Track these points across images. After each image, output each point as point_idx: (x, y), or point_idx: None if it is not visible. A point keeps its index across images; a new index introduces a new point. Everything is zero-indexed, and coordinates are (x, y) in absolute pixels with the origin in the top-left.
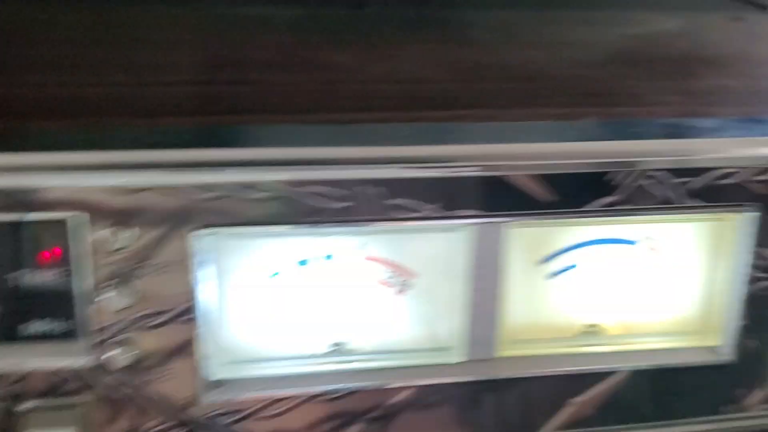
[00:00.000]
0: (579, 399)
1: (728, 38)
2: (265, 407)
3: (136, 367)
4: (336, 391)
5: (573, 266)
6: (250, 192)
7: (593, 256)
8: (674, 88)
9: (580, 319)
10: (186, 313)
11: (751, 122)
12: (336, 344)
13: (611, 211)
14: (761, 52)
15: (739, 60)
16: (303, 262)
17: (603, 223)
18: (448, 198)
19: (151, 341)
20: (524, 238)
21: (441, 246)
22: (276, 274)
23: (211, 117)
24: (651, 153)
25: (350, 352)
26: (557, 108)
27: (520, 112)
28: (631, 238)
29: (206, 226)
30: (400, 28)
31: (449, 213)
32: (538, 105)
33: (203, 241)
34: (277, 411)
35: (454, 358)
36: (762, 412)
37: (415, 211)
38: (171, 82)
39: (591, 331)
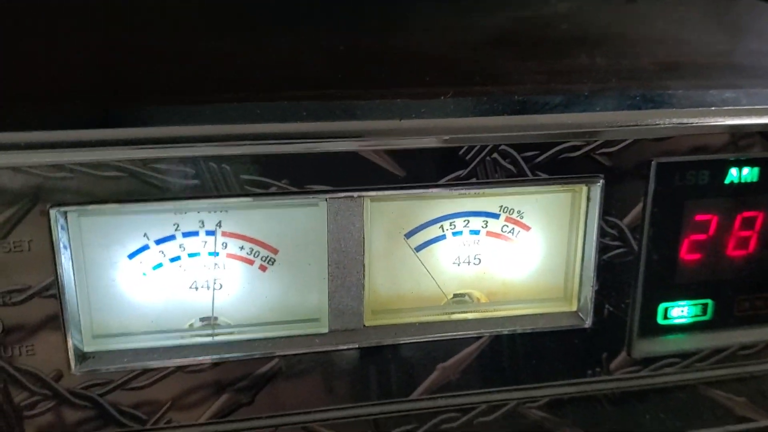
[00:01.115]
0: (448, 364)
1: (614, 20)
2: (134, 378)
3: (2, 341)
4: (204, 362)
5: (440, 238)
6: (102, 170)
7: (459, 229)
8: (541, 67)
9: (448, 288)
10: (49, 288)
11: (597, 98)
12: (203, 319)
13: (463, 184)
14: (640, 32)
15: (614, 40)
16: (162, 240)
17: (463, 196)
18: (302, 173)
19: (15, 316)
20: (388, 212)
21: (300, 221)
22: (137, 251)
23: (67, 99)
24: (499, 128)
25: (217, 326)
26: (418, 88)
27: (381, 92)
28: (493, 211)
29: (60, 204)
30: (284, 14)
31: (304, 188)
32: (400, 86)
33: (59, 219)
34: (146, 382)
35: (322, 328)
36: (626, 375)
37: (269, 186)
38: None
39: (459, 300)
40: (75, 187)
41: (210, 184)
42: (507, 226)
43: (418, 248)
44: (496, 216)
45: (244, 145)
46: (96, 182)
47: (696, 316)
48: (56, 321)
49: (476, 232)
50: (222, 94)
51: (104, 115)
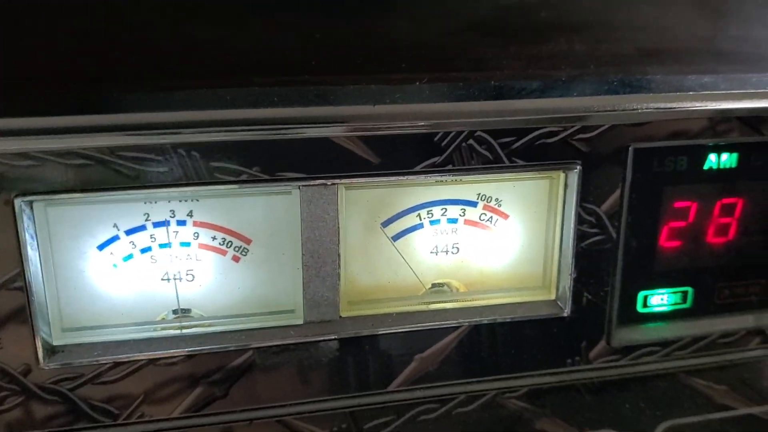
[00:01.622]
0: (426, 354)
1: (595, 6)
2: (105, 372)
3: None
4: (176, 355)
5: (417, 227)
6: (69, 158)
7: (436, 217)
8: (520, 54)
9: (426, 278)
10: (15, 280)
11: (575, 83)
12: (176, 311)
13: (439, 171)
14: (620, 19)
15: (594, 26)
16: (132, 231)
17: (441, 184)
18: (274, 160)
19: None
20: (363, 201)
21: (273, 209)
22: (107, 242)
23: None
24: (475, 114)
25: (190, 318)
26: (394, 74)
27: (355, 77)
28: (471, 199)
29: (25, 193)
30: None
31: (276, 176)
32: (375, 72)
33: (24, 209)
34: (118, 376)
35: (297, 319)
36: (605, 364)
37: (240, 174)
38: None
39: (438, 290)
40: (40, 176)
41: (179, 171)
42: (485, 215)
43: (395, 237)
44: (473, 204)
45: (214, 131)
46: (62, 171)
47: (676, 304)
48: (23, 314)
49: (454, 221)
50: (192, 80)
51: (70, 102)
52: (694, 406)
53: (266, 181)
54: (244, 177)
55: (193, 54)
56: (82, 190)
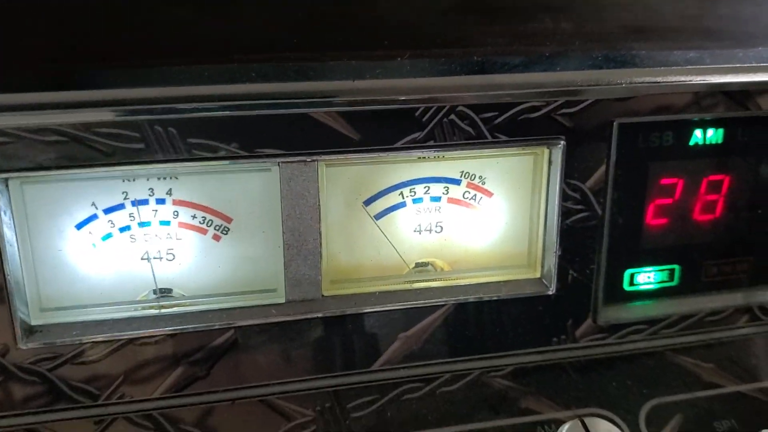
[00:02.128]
0: (410, 333)
1: None
2: (84, 352)
3: None
4: (157, 334)
5: (400, 205)
6: (44, 135)
7: (419, 195)
8: (505, 32)
9: (410, 257)
10: None
11: (558, 58)
12: (156, 290)
13: (420, 147)
14: None
15: (581, 5)
16: (111, 209)
17: (423, 161)
18: (252, 137)
19: None
20: (344, 178)
21: (253, 187)
22: (85, 221)
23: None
24: (456, 88)
25: (171, 298)
26: (376, 51)
27: (336, 54)
28: (454, 176)
29: (1, 170)
30: None
31: (255, 152)
32: (357, 49)
33: (0, 187)
34: (97, 356)
35: (279, 298)
36: (591, 343)
37: (217, 150)
38: None
39: (422, 269)
40: (15, 153)
41: (156, 148)
42: (469, 192)
43: (378, 216)
44: (457, 182)
45: (191, 107)
46: (37, 148)
47: (663, 282)
48: (0, 293)
49: (437, 199)
50: (171, 58)
51: (45, 78)
52: (681, 384)
53: (245, 157)
54: (222, 153)
55: (172, 30)
56: (58, 168)
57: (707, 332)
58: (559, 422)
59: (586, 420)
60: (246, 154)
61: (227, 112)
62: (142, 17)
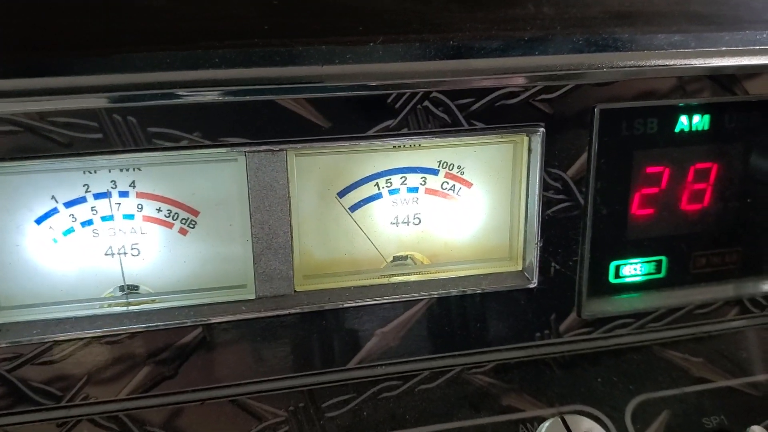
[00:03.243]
0: (387, 329)
1: None
2: (45, 352)
3: None
4: (121, 332)
5: (376, 197)
6: None
7: (396, 186)
8: (485, 17)
9: (387, 250)
10: None
11: (537, 42)
12: (122, 287)
13: (393, 135)
14: None
15: None
16: (72, 203)
17: (398, 150)
18: (216, 125)
19: None
20: (315, 168)
21: (219, 178)
22: (45, 215)
23: None
24: (429, 74)
25: (137, 294)
26: (349, 36)
27: (306, 40)
28: (431, 166)
29: None
30: None
31: (219, 141)
32: (330, 35)
33: None
34: (59, 356)
35: (249, 294)
36: (576, 337)
37: (180, 140)
38: None
39: (399, 263)
40: None
41: (115, 138)
42: (447, 183)
43: (353, 208)
44: (434, 172)
45: (149, 94)
46: None
47: (649, 273)
48: None
49: (414, 190)
50: (130, 43)
51: None
52: (669, 380)
53: (208, 146)
54: (185, 143)
55: (130, 14)
56: (11, 159)
57: (696, 326)
58: (542, 420)
59: (567, 418)
60: (210, 143)
61: (189, 100)
62: (100, 3)
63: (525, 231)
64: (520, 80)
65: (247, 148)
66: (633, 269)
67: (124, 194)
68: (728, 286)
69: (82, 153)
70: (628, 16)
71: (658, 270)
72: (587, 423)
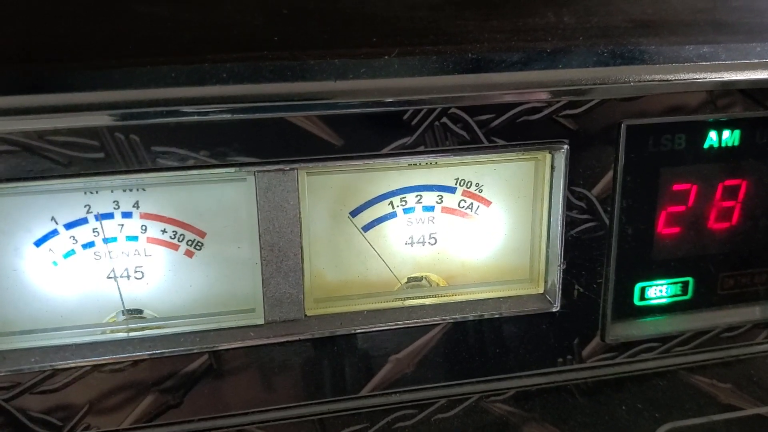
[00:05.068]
0: (402, 355)
1: None
2: (44, 381)
3: None
4: (124, 360)
5: (390, 216)
6: None
7: (411, 205)
8: (503, 27)
9: (401, 272)
10: None
11: (560, 55)
12: (125, 311)
13: (409, 153)
14: None
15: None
16: (72, 224)
17: (414, 168)
18: (224, 144)
19: None
20: (327, 187)
21: (227, 199)
22: (44, 237)
23: None
24: (447, 89)
25: (141, 319)
26: (362, 48)
27: (318, 53)
28: (448, 184)
29: None
30: None
31: (227, 161)
32: (342, 47)
33: None
34: (59, 384)
35: (258, 319)
36: (599, 363)
37: (186, 159)
38: None
39: (414, 285)
40: None
41: (117, 157)
42: (465, 201)
43: (366, 228)
44: (452, 190)
45: (154, 112)
46: None
47: (676, 295)
48: None
49: (430, 209)
50: (132, 57)
51: None
52: (696, 407)
53: (216, 166)
54: (191, 163)
55: (133, 26)
56: (8, 180)
57: (724, 349)
58: None
59: None
60: (217, 162)
61: (195, 117)
62: (101, 12)
63: (547, 252)
64: (544, 95)
65: (257, 168)
66: (659, 291)
67: (127, 215)
68: (757, 308)
69: (84, 173)
70: (652, 25)
71: (685, 292)
72: None
